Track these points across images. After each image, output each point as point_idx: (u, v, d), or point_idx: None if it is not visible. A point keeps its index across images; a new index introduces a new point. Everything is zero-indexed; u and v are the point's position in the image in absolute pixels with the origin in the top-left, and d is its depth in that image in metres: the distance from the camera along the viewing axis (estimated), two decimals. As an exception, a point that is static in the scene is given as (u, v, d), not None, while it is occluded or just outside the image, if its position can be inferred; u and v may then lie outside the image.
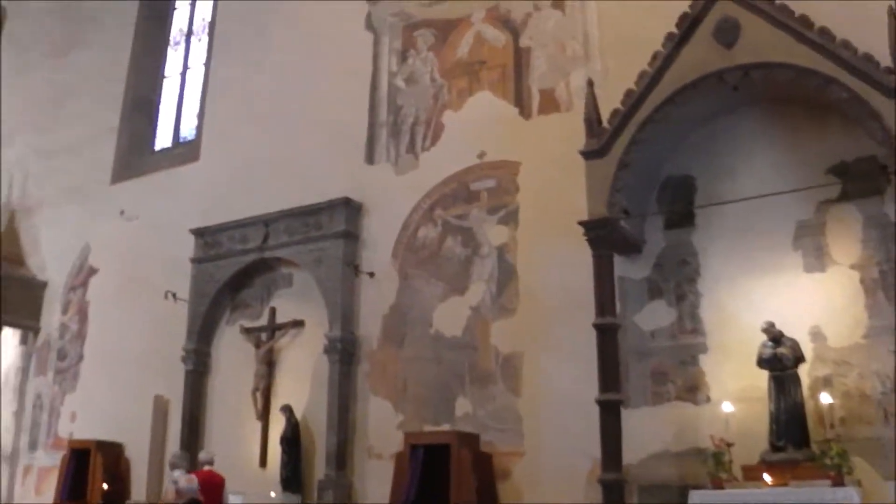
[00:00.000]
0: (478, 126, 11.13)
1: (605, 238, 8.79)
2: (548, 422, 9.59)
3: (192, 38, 16.26)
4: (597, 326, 8.58)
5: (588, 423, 8.60)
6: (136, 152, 15.83)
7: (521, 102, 10.93)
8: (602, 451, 8.27)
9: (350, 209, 11.60)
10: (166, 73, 16.55)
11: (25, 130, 17.92)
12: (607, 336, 8.59)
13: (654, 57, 8.72)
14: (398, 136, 11.92)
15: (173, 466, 11.09)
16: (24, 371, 15.89)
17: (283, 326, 11.99)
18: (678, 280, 9.18)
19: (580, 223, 8.79)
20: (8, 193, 17.59)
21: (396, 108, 12.07)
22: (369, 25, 12.81)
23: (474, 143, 11.05)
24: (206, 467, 10.92)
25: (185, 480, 7.72)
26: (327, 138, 12.41)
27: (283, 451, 11.19)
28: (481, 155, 10.99)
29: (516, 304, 10.20)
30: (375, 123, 12.18)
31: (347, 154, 12.13)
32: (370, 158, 12.01)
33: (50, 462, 14.64)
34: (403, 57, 12.30)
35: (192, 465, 10.94)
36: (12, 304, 15.48)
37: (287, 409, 11.24)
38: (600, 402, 8.37)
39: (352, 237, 11.56)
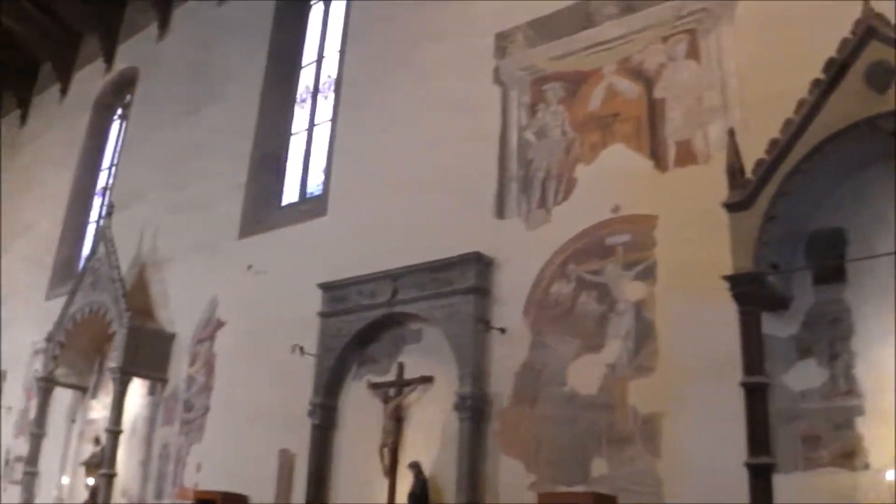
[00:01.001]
0: (611, 179, 11.12)
1: (752, 294, 8.62)
2: (690, 486, 9.31)
3: (319, 96, 16.88)
4: (745, 385, 8.37)
5: (734, 488, 8.33)
6: (263, 207, 16.45)
7: (656, 155, 10.86)
8: (752, 518, 7.99)
9: (481, 264, 11.71)
10: (293, 129, 17.22)
11: (157, 187, 18.91)
12: (756, 396, 8.36)
13: (800, 105, 8.60)
14: (529, 190, 11.99)
15: None
16: (151, 421, 16.54)
17: (412, 382, 12.12)
18: (830, 338, 8.89)
19: (725, 278, 8.64)
20: (139, 248, 18.45)
21: (527, 162, 12.17)
22: (497, 80, 13.02)
23: (608, 196, 11.03)
24: None
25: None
26: (456, 193, 12.62)
27: (411, 509, 11.22)
28: (615, 209, 10.94)
29: (655, 362, 10.02)
30: (505, 178, 12.29)
31: (477, 209, 12.28)
32: (500, 213, 12.12)
33: (174, 513, 15.11)
34: (533, 111, 12.43)
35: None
36: (142, 355, 16.23)
37: (415, 466, 11.31)
38: (750, 466, 8.12)
39: (482, 293, 11.64)
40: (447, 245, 12.08)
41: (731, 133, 9.30)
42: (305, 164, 16.49)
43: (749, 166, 8.90)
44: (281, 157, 17.01)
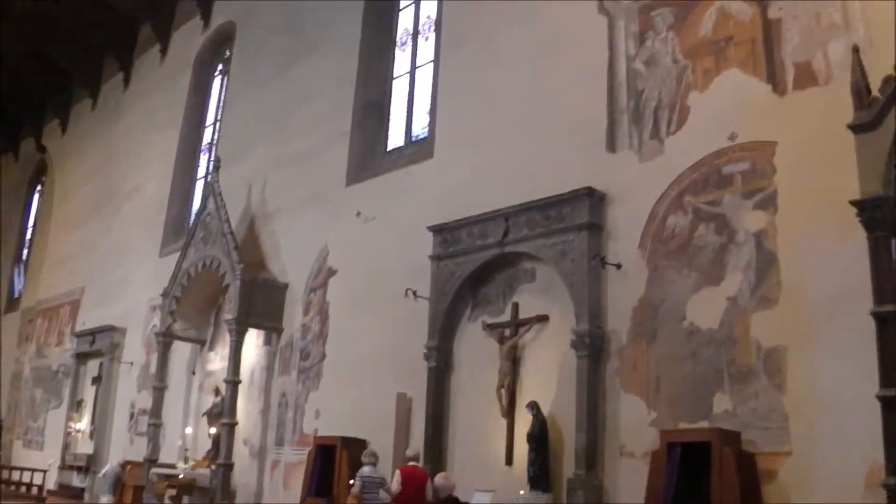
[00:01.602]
0: (727, 106, 10.93)
1: (882, 218, 8.42)
2: (818, 420, 9.24)
3: (419, 38, 16.97)
4: (876, 315, 8.24)
5: (866, 422, 8.25)
6: (369, 154, 16.78)
7: (773, 78, 10.60)
8: (885, 452, 7.90)
9: (593, 200, 11.73)
10: (395, 73, 17.36)
11: (262, 140, 19.45)
12: (888, 325, 8.21)
13: (931, 17, 8.30)
14: (640, 121, 11.88)
15: (363, 463, 12.21)
16: (268, 370, 17.22)
17: (527, 322, 12.28)
18: (965, 261, 8.64)
19: (853, 203, 8.47)
20: (248, 201, 19.06)
21: (637, 93, 12.05)
22: (602, 10, 12.88)
23: (724, 124, 10.85)
24: (411, 463, 11.99)
25: (441, 478, 8.09)
26: (565, 128, 12.62)
27: (531, 449, 11.44)
28: (732, 136, 10.76)
29: (778, 293, 9.89)
30: (615, 110, 12.20)
31: (587, 143, 12.25)
32: (612, 147, 12.06)
33: (296, 458, 15.82)
34: (641, 39, 12.26)
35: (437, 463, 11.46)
36: (256, 306, 16.87)
37: (533, 406, 11.49)
38: (882, 399, 8.01)
39: (596, 228, 11.67)
40: (558, 181, 12.12)
41: (856, 50, 9.05)
42: (409, 107, 16.69)
43: (875, 85, 8.67)
44: (384, 103, 17.26)
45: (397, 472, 12.01)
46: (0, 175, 37.35)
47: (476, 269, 13.09)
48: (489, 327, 12.79)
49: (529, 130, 13.20)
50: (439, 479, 8.19)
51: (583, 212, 11.76)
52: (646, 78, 12.02)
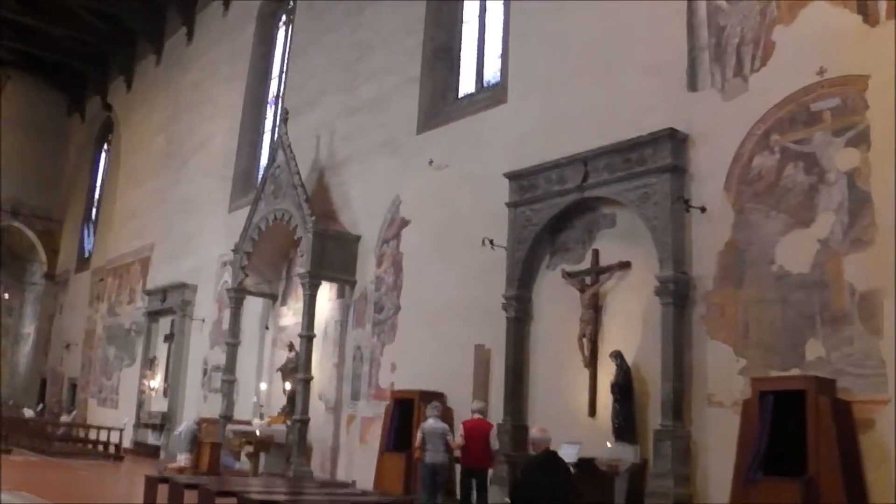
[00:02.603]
0: (815, 39, 10.69)
1: (985, 150, 8.23)
2: (918, 365, 9.15)
3: (488, -20, 16.88)
4: (978, 251, 8.08)
5: (968, 365, 8.14)
6: (440, 101, 16.83)
7: (864, 8, 10.31)
8: None
9: (675, 141, 11.62)
10: (464, 18, 17.30)
11: (329, 90, 19.65)
12: None
13: None
14: (722, 59, 11.69)
15: (426, 417, 12.50)
16: (342, 324, 17.53)
17: (609, 269, 12.29)
18: None
19: (955, 135, 8.28)
20: (316, 153, 19.29)
21: (718, 29, 11.84)
22: (681, -56, 12.62)
23: (812, 58, 10.63)
24: (477, 416, 12.37)
25: (537, 431, 8.19)
26: (644, 67, 12.50)
27: (615, 400, 11.51)
28: (821, 71, 10.53)
29: (873, 234, 9.72)
30: (696, 48, 12.02)
31: (667, 83, 12.12)
32: (693, 85, 11.91)
33: (372, 412, 16.14)
34: (722, -27, 12.02)
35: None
36: (328, 259, 17.17)
37: (617, 356, 11.54)
38: None
39: (679, 171, 11.58)
40: (638, 123, 12.03)
41: (953, -26, 8.79)
42: (480, 52, 16.66)
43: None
44: (453, 48, 17.26)
45: (461, 424, 12.49)
46: (67, 135, 38.31)
47: (554, 216, 13.11)
48: (569, 275, 12.81)
49: (606, 71, 13.11)
50: (535, 432, 8.32)
51: (665, 154, 11.67)
52: (727, 13, 11.81)
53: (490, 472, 12.74)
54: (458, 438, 12.25)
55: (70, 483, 14.71)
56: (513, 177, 13.71)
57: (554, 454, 8.06)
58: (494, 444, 12.46)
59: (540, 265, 13.44)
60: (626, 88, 12.69)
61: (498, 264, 13.67)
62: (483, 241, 13.72)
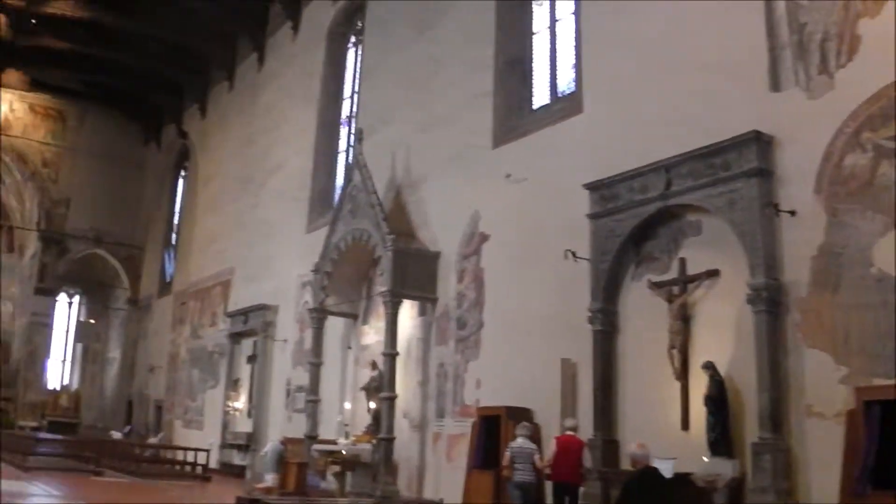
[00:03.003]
0: (903, 32, 10.28)
1: None
2: None
3: (557, -11, 16.69)
4: None
5: None
6: (514, 113, 16.67)
7: (954, -4, 9.91)
8: None
9: (760, 144, 11.26)
10: (534, 28, 17.12)
11: (402, 107, 19.66)
12: None
13: None
14: (805, 56, 11.30)
15: (515, 436, 12.57)
16: (425, 341, 17.44)
17: (697, 278, 11.96)
18: None
19: None
20: (392, 171, 19.28)
21: (799, 27, 11.45)
22: (756, -61, 12.26)
23: (901, 52, 10.22)
24: (569, 432, 12.38)
25: (637, 447, 7.97)
26: (722, 69, 12.15)
27: (709, 413, 11.16)
28: (911, 64, 10.12)
29: (980, 230, 9.30)
30: (776, 46, 11.65)
31: (748, 84, 11.76)
32: (775, 86, 11.54)
33: (458, 429, 16.00)
34: (800, -32, 11.63)
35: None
36: (409, 277, 17.13)
37: (710, 367, 11.20)
38: None
39: (766, 174, 11.21)
40: (720, 127, 11.67)
41: None
42: (552, 62, 16.46)
43: None
44: (525, 60, 17.07)
45: (553, 440, 12.44)
46: (145, 164, 39.08)
47: (638, 226, 12.82)
48: (655, 285, 12.51)
49: (683, 75, 12.77)
50: (635, 448, 8.11)
51: (750, 157, 11.31)
52: (808, 10, 11.41)
53: (581, 489, 12.52)
54: (548, 454, 12.20)
55: (161, 506, 14.86)
56: (593, 187, 13.47)
57: (655, 471, 7.81)
58: (587, 460, 12.34)
59: (625, 276, 13.16)
60: (705, 91, 12.35)
61: (581, 276, 13.42)
62: (566, 254, 13.46)
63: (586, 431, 12.93)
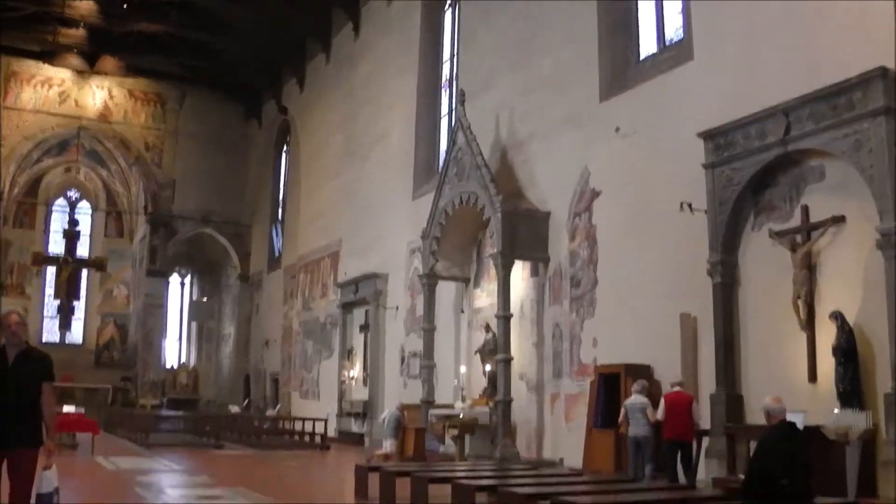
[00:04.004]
0: None
1: None
2: None
3: (662, -66, 16.29)
4: None
5: None
6: (620, 65, 16.41)
7: None
8: None
9: (888, 81, 10.77)
10: (639, -23, 16.81)
11: (504, 69, 19.58)
12: None
13: None
14: (935, -17, 10.79)
15: (631, 393, 12.71)
16: (538, 302, 17.44)
17: (821, 225, 11.61)
18: None
19: None
20: (496, 133, 19.26)
21: (927, -52, 10.94)
22: None
23: None
24: (676, 388, 12.27)
25: (772, 401, 7.85)
26: (842, 3, 11.67)
27: (838, 364, 10.87)
28: None
29: None
30: (902, -27, 11.14)
31: (871, 18, 11.26)
32: (902, 18, 11.05)
33: (576, 389, 16.02)
34: None
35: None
36: (519, 238, 17.15)
37: (838, 317, 10.90)
38: None
39: (894, 113, 10.75)
40: (842, 64, 11.20)
41: None
42: (658, 10, 16.07)
43: None
44: (630, 9, 16.70)
45: (662, 398, 12.38)
46: (248, 142, 39.86)
47: (756, 174, 12.48)
48: (777, 235, 12.20)
49: (802, 11, 12.29)
50: (770, 402, 7.93)
51: (876, 95, 10.84)
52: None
53: (705, 442, 12.48)
54: (658, 411, 12.24)
55: (282, 476, 15.19)
56: (708, 136, 13.15)
57: (792, 425, 7.65)
58: (696, 416, 12.30)
59: (744, 227, 12.86)
60: (826, 27, 11.89)
61: (699, 229, 13.18)
62: (681, 206, 13.21)
63: (708, 386, 12.79)
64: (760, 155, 12.37)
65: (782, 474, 7.22)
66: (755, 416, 12.01)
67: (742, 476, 9.30)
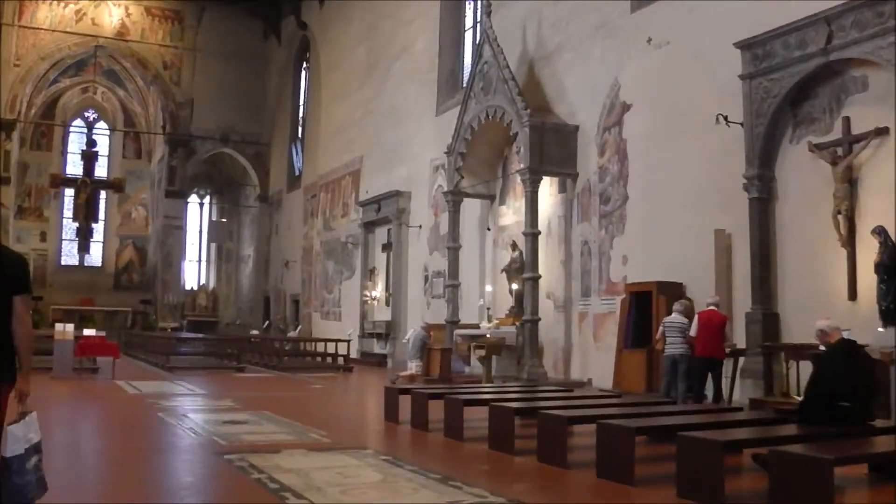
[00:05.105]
0: None
1: None
2: None
3: None
4: None
5: None
6: (654, -27, 15.93)
7: None
8: None
9: (937, -15, 10.45)
10: None
11: (532, -23, 19.03)
12: None
13: None
14: None
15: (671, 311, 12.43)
16: (566, 219, 17.28)
17: (864, 137, 11.32)
18: None
19: None
20: (523, 44, 18.86)
21: None
22: None
23: None
24: (711, 307, 12.03)
25: (824, 320, 7.72)
26: None
27: (880, 281, 10.70)
28: None
29: None
30: None
31: (923, -83, 10.85)
32: (953, -85, 10.61)
33: (605, 308, 15.94)
34: None
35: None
36: (547, 153, 16.91)
37: (881, 232, 10.67)
38: None
39: (944, 18, 10.42)
40: (890, -32, 10.87)
41: None
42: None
43: None
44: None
45: (696, 315, 12.17)
46: (267, 59, 39.44)
47: (796, 85, 12.14)
48: (817, 147, 11.91)
49: None
50: (821, 323, 7.84)
51: (924, 0, 10.53)
52: None
53: (740, 362, 12.40)
54: (692, 329, 12.04)
55: (307, 398, 15.23)
56: (745, 46, 12.78)
57: (853, 343, 7.53)
58: (729, 336, 12.19)
59: (782, 140, 12.57)
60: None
61: (735, 142, 12.92)
62: (717, 119, 12.94)
63: (744, 304, 12.65)
64: (800, 65, 12.02)
65: (844, 396, 7.13)
66: (792, 334, 11.97)
67: (798, 397, 9.26)
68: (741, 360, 12.54)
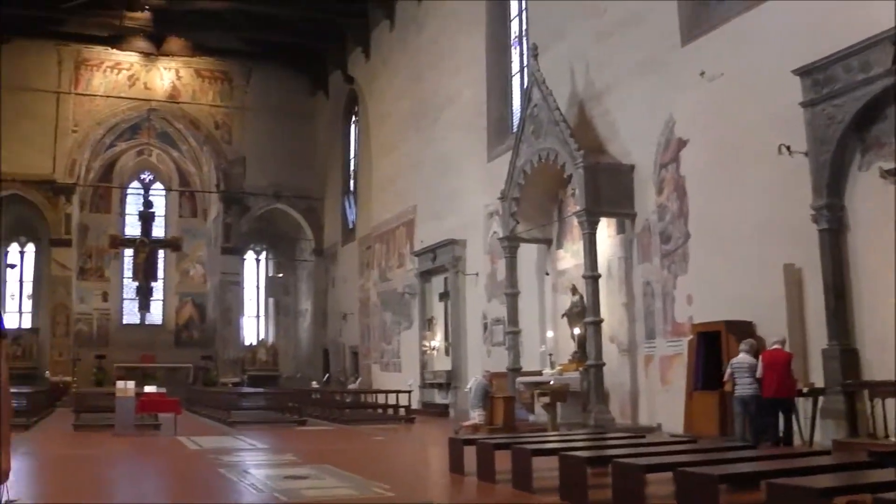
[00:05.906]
0: None
1: None
2: None
3: None
4: None
5: None
6: (702, 5, 15.66)
7: None
8: None
9: None
10: None
11: (576, 18, 18.96)
12: None
13: None
14: None
15: (739, 352, 12.23)
16: (626, 260, 16.85)
17: (938, 159, 10.81)
18: None
19: None
20: (572, 85, 18.58)
21: None
22: None
23: None
24: (776, 346, 11.81)
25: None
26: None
27: (963, 307, 10.13)
28: None
29: None
30: None
31: None
32: None
33: (671, 350, 15.40)
34: None
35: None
36: (603, 193, 16.56)
37: (962, 258, 10.12)
38: None
39: None
40: (956, -16, 10.42)
41: None
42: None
43: None
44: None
45: (761, 356, 11.85)
46: (315, 114, 39.71)
47: (861, 108, 11.66)
48: (888, 173, 11.38)
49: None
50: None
51: None
52: None
53: (819, 402, 11.80)
54: (758, 370, 11.75)
55: (369, 451, 14.88)
56: (804, 72, 12.34)
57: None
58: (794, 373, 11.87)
59: (850, 167, 12.06)
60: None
61: (799, 172, 12.42)
62: (780, 149, 12.48)
63: (819, 341, 12.08)
64: (865, 88, 11.56)
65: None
66: (873, 371, 11.37)
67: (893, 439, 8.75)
68: (820, 399, 11.93)
